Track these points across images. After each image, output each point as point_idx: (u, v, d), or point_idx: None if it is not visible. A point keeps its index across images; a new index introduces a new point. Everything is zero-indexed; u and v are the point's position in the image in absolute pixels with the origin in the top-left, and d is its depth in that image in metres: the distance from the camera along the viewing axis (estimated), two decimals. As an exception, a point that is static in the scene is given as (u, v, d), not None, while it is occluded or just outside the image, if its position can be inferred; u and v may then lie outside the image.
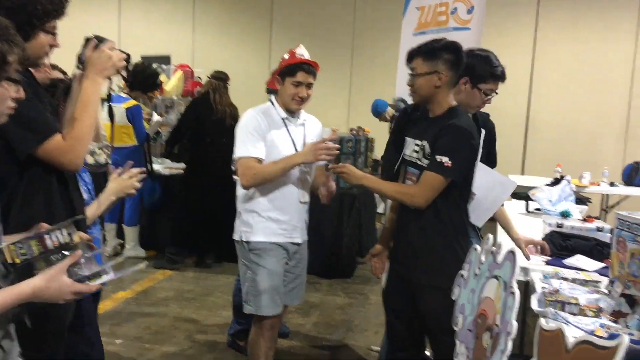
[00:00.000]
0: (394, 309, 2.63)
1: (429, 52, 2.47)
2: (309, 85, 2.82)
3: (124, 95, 5.46)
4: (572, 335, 1.05)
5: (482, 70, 2.67)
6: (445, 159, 2.38)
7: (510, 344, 1.27)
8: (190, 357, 3.63)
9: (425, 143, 2.49)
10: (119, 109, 5.32)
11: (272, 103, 2.88)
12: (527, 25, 7.27)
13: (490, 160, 2.80)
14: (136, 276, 5.14)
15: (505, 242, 1.57)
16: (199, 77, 7.01)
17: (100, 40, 1.88)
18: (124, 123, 5.33)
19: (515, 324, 1.25)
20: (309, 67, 2.80)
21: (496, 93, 2.72)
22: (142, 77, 5.49)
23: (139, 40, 8.40)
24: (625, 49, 7.04)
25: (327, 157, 2.69)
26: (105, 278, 1.58)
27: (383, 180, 2.69)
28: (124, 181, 2.18)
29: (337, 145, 2.72)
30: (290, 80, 2.79)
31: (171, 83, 6.78)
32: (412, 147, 2.56)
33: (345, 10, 7.96)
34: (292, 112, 2.86)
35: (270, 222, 2.82)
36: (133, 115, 5.33)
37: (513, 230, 2.84)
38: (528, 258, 2.71)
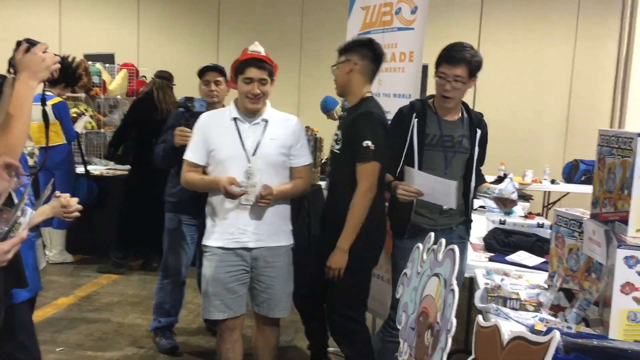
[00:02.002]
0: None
1: (345, 47, 2.85)
2: (262, 81, 2.70)
3: (48, 93, 5.28)
4: (508, 331, 1.06)
5: (440, 55, 2.78)
6: (368, 142, 2.66)
7: (449, 341, 1.28)
8: (135, 363, 3.55)
9: (339, 132, 2.84)
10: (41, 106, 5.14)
11: (233, 103, 2.82)
12: (471, 26, 7.41)
13: (479, 160, 2.93)
14: (79, 281, 4.99)
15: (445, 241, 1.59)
16: (144, 77, 6.87)
17: (32, 43, 1.80)
18: (51, 121, 5.17)
19: (454, 321, 1.25)
20: (261, 63, 2.70)
21: (455, 79, 2.71)
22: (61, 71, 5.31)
23: (81, 38, 8.15)
24: (564, 50, 7.26)
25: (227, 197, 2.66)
26: (24, 220, 1.58)
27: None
28: (63, 209, 2.13)
29: (238, 192, 2.66)
30: (242, 78, 2.72)
31: (115, 82, 6.62)
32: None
33: (293, 10, 7.93)
34: (249, 112, 2.75)
35: (218, 225, 2.77)
36: (59, 112, 5.16)
37: None
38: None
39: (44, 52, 1.79)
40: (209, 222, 2.83)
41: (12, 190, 1.91)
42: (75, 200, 2.16)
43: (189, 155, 2.81)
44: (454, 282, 1.33)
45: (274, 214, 2.79)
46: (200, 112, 3.57)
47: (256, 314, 2.92)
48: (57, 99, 5.21)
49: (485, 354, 1.07)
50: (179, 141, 3.40)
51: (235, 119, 2.76)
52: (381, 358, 2.94)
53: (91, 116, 5.99)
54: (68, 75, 5.47)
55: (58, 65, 1.83)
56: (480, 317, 1.21)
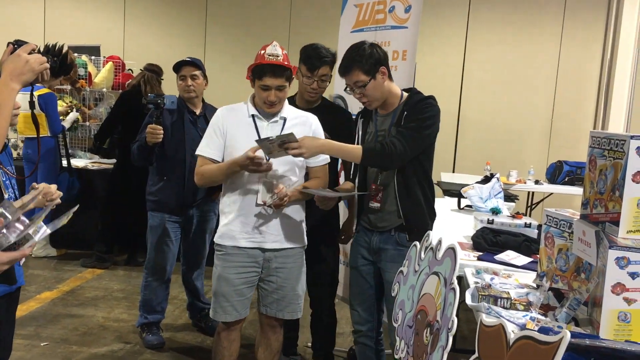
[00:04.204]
0: None
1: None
2: (280, 88, 2.63)
3: (36, 84, 5.20)
4: (513, 330, 1.06)
5: None
6: None
7: (450, 339, 1.29)
8: (120, 358, 3.51)
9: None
10: (28, 96, 5.07)
11: (250, 99, 2.76)
12: (460, 25, 7.45)
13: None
14: (63, 275, 4.93)
15: (446, 239, 1.60)
16: (130, 70, 6.81)
17: (19, 44, 1.75)
18: (36, 112, 5.09)
19: (455, 319, 1.26)
20: (279, 70, 2.61)
21: (355, 85, 2.64)
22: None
23: (66, 30, 8.03)
24: (550, 51, 7.33)
25: (253, 171, 2.57)
26: (33, 239, 1.55)
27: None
28: (43, 198, 2.09)
29: (265, 167, 2.58)
30: (259, 84, 2.64)
31: (101, 75, 6.55)
32: None
33: (282, 4, 7.91)
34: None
35: (232, 224, 2.71)
36: (46, 103, 5.08)
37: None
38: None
39: (30, 54, 1.73)
40: (222, 220, 2.78)
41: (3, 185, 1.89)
42: (54, 187, 2.13)
43: (204, 151, 2.73)
44: (455, 281, 1.34)
45: (291, 215, 2.75)
46: (172, 110, 3.55)
47: (262, 316, 2.87)
48: (44, 90, 5.13)
49: (489, 353, 1.07)
50: (150, 139, 3.37)
51: (253, 116, 2.71)
52: None
53: (78, 110, 5.92)
54: (63, 66, 5.37)
55: (46, 66, 1.77)
56: (484, 316, 1.22)
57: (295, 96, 3.19)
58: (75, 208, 1.97)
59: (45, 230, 1.57)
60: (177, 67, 3.63)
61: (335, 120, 3.00)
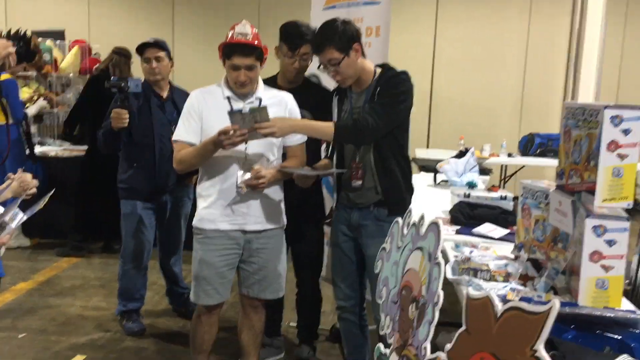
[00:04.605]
0: None
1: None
2: (250, 67, 2.57)
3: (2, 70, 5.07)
4: (500, 301, 1.08)
5: None
6: None
7: (437, 314, 1.30)
8: (102, 347, 3.48)
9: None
10: None
11: (224, 81, 2.70)
12: (429, 3, 7.44)
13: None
14: (38, 265, 4.85)
15: (428, 215, 1.60)
16: (97, 54, 6.65)
17: None
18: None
19: (441, 293, 1.27)
20: (247, 49, 2.56)
21: (329, 63, 2.61)
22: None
23: (28, 14, 7.82)
24: (519, 27, 7.39)
25: (229, 147, 2.50)
26: (9, 227, 1.52)
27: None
28: (20, 187, 2.04)
29: (239, 138, 2.47)
30: (228, 63, 2.59)
31: (67, 60, 6.39)
32: None
33: (250, -16, 7.80)
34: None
35: (212, 207, 2.67)
36: (7, 89, 4.94)
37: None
38: None
39: None
40: (201, 203, 2.74)
41: None
42: (29, 175, 2.09)
43: (182, 136, 2.66)
44: (440, 255, 1.34)
45: (270, 195, 2.73)
46: (137, 93, 3.44)
47: (243, 297, 2.86)
48: (5, 76, 4.98)
49: (477, 325, 1.08)
50: (115, 124, 3.29)
51: (228, 97, 2.66)
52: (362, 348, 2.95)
53: (45, 97, 5.76)
54: (27, 51, 5.21)
55: (10, 51, 1.70)
56: (470, 289, 1.23)
57: (276, 76, 3.14)
58: (51, 192, 1.94)
59: (22, 217, 1.55)
60: (141, 49, 3.51)
61: (318, 100, 2.96)
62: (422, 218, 1.57)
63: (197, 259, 2.74)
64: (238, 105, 2.64)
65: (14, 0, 8.10)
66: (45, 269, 4.79)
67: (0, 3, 8.07)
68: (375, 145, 2.65)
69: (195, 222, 2.76)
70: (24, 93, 5.47)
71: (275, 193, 2.77)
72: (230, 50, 2.57)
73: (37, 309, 3.97)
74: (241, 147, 2.58)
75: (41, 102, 5.49)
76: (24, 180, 2.05)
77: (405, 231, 1.69)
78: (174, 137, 2.70)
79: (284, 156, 2.82)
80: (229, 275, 2.76)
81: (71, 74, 6.36)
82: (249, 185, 2.60)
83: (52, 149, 5.76)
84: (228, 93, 2.67)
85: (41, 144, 5.70)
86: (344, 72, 2.61)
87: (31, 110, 5.33)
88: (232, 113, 2.46)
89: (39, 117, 5.88)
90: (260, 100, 2.69)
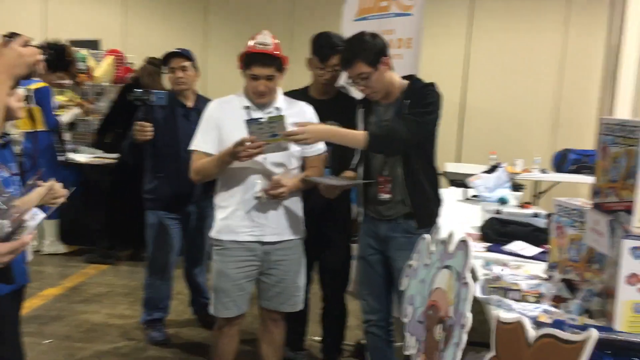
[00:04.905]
0: None
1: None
2: (269, 78, 2.56)
3: (34, 78, 5.16)
4: (533, 327, 1.01)
5: None
6: None
7: (465, 337, 1.24)
8: (125, 355, 3.48)
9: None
10: (27, 91, 5.04)
11: (243, 91, 2.69)
12: (463, 14, 7.36)
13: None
14: (66, 272, 4.90)
15: (458, 232, 1.54)
16: (131, 63, 6.75)
17: (11, 36, 1.67)
18: (31, 105, 5.05)
19: (469, 315, 1.21)
20: (266, 59, 2.54)
21: (359, 77, 2.59)
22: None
23: (66, 23, 7.98)
24: (555, 39, 7.24)
25: (245, 158, 2.48)
26: (31, 225, 1.51)
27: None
28: (49, 196, 2.04)
29: (256, 150, 2.45)
30: (248, 73, 2.58)
31: (101, 69, 6.50)
32: None
33: (283, -5, 7.84)
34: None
35: (230, 218, 2.65)
36: (41, 97, 5.03)
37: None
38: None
39: (23, 47, 1.65)
40: (219, 214, 2.71)
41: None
42: (59, 185, 2.08)
43: (199, 146, 2.66)
44: (468, 275, 1.28)
45: (289, 206, 2.70)
46: (161, 106, 3.43)
47: (263, 310, 2.82)
48: (40, 84, 5.09)
49: (508, 352, 1.02)
50: (139, 137, 3.28)
51: (247, 107, 2.64)
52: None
53: (79, 105, 5.85)
54: (52, 59, 5.27)
55: (39, 59, 1.69)
56: (500, 312, 1.16)
57: (309, 87, 3.11)
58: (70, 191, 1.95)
59: (40, 215, 1.53)
60: (166, 59, 3.51)
61: (351, 111, 2.90)
62: (450, 235, 1.51)
63: (215, 271, 2.72)
64: (256, 114, 2.61)
65: (53, 11, 8.29)
66: (74, 275, 4.84)
67: (39, 13, 8.26)
68: (404, 157, 2.62)
69: (213, 233, 2.73)
70: (59, 100, 5.55)
71: (295, 204, 2.74)
72: (250, 60, 2.56)
73: (63, 316, 3.99)
74: (259, 157, 2.55)
75: (75, 110, 5.57)
76: (54, 189, 2.05)
77: (432, 248, 1.63)
78: (192, 146, 2.70)
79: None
80: (248, 287, 2.72)
81: (105, 83, 6.45)
82: (269, 194, 2.56)
83: (85, 156, 5.83)
84: (247, 103, 2.65)
85: (74, 151, 5.77)
86: (373, 86, 2.58)
87: (65, 117, 5.41)
88: (249, 122, 2.43)
89: (72, 125, 5.97)
90: (280, 111, 2.67)
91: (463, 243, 1.40)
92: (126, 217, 5.12)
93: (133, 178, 4.97)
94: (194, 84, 3.58)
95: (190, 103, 3.56)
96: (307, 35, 3.11)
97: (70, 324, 3.85)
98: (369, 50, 2.51)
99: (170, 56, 3.50)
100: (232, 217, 2.65)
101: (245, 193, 2.62)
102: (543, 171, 6.18)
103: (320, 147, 2.77)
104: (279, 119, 2.42)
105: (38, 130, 5.11)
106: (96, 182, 5.42)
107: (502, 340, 1.04)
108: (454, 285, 1.36)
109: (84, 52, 6.36)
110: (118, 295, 4.44)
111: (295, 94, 3.06)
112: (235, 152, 2.45)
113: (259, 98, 2.61)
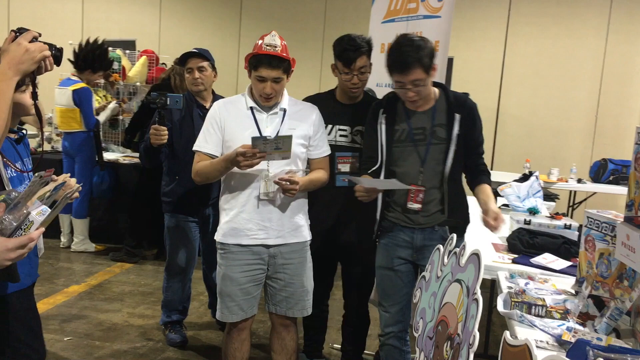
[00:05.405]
0: None
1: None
2: (276, 80, 2.50)
3: (74, 78, 5.23)
4: (539, 351, 0.92)
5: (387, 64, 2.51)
6: None
7: (472, 357, 1.15)
8: (142, 355, 3.45)
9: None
10: (66, 91, 5.11)
11: (248, 91, 2.64)
12: (499, 19, 7.20)
13: (470, 145, 2.62)
14: (92, 269, 4.93)
15: (470, 243, 1.45)
16: (164, 64, 6.79)
17: (20, 32, 1.64)
18: (70, 107, 5.12)
19: (477, 335, 1.12)
20: (275, 61, 2.47)
21: (414, 84, 2.46)
22: (88, 57, 5.23)
23: (102, 24, 8.13)
24: (595, 46, 7.03)
25: (246, 168, 2.43)
26: (37, 219, 1.49)
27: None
28: (62, 191, 2.02)
29: (258, 160, 2.41)
30: (254, 74, 2.52)
31: (135, 69, 6.55)
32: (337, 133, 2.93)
33: (317, -2, 7.80)
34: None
35: (234, 221, 2.61)
36: (80, 98, 5.10)
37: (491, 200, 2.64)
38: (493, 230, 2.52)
39: (31, 42, 1.62)
40: (223, 217, 2.68)
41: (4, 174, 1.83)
42: (74, 180, 2.05)
43: (202, 146, 2.62)
44: (478, 291, 1.20)
45: (293, 209, 2.65)
46: (177, 109, 3.37)
47: (272, 315, 2.76)
48: (80, 85, 5.15)
49: (512, 377, 0.94)
50: (154, 141, 3.22)
51: (252, 108, 2.60)
52: None
53: (117, 101, 5.91)
54: (94, 59, 5.31)
55: (47, 55, 1.65)
56: (507, 334, 1.08)
57: (334, 91, 3.03)
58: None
59: (46, 209, 1.51)
60: (184, 60, 3.46)
61: None
62: (463, 247, 1.42)
63: (220, 275, 2.67)
64: (261, 115, 2.59)
65: (90, 11, 8.44)
66: (99, 273, 4.86)
67: (77, 13, 8.41)
68: (451, 171, 2.58)
69: (217, 237, 2.68)
70: (95, 102, 5.62)
71: (300, 207, 2.69)
72: (258, 61, 2.49)
73: (85, 313, 4.00)
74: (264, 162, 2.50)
75: (112, 105, 5.62)
76: (67, 185, 2.03)
77: (445, 260, 1.55)
78: (195, 146, 2.66)
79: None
80: (254, 291, 2.67)
81: (138, 83, 6.51)
82: (280, 185, 2.49)
83: (114, 155, 5.90)
84: (251, 103, 2.60)
85: (105, 149, 5.83)
86: (423, 92, 2.51)
87: (102, 117, 5.47)
88: (255, 139, 2.38)
89: (114, 120, 6.03)
90: (285, 112, 2.62)
91: (475, 256, 1.31)
92: (153, 216, 5.15)
93: (158, 177, 5.02)
94: (211, 85, 3.53)
95: (207, 104, 3.50)
96: (339, 37, 3.01)
97: (92, 322, 3.86)
98: (426, 55, 2.42)
99: (187, 56, 3.45)
100: (236, 220, 2.60)
101: (249, 196, 2.58)
102: (579, 181, 5.98)
103: (327, 148, 2.74)
104: (286, 138, 2.40)
105: (76, 130, 5.17)
106: (124, 181, 5.46)
107: (508, 365, 0.96)
108: (464, 300, 1.27)
109: (118, 52, 6.43)
110: (140, 294, 4.44)
111: (320, 98, 3.00)
112: (237, 162, 2.42)
113: (266, 101, 2.56)
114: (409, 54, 2.40)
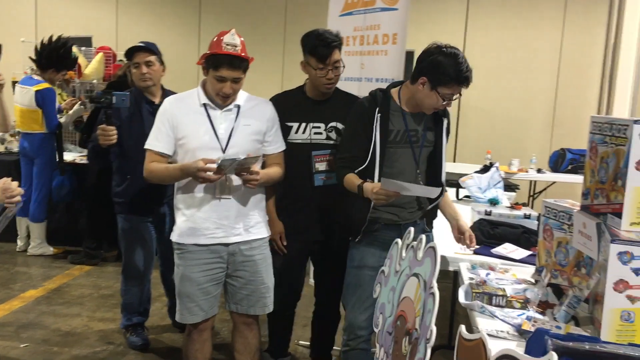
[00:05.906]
0: None
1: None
2: (236, 80, 2.46)
3: (36, 78, 5.07)
4: (500, 341, 0.91)
5: (445, 72, 2.44)
6: None
7: (429, 352, 1.14)
8: (103, 360, 3.38)
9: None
10: (29, 91, 4.95)
11: (201, 87, 2.58)
12: (458, 11, 7.26)
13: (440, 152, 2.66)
14: (50, 272, 4.80)
15: (437, 235, 1.44)
16: (122, 61, 6.64)
17: None
18: (32, 107, 4.96)
19: (434, 329, 1.11)
20: (237, 62, 2.44)
21: (458, 95, 2.53)
22: (52, 55, 5.06)
23: (57, 20, 7.89)
24: (552, 37, 7.14)
25: (203, 181, 2.41)
26: None
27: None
28: (3, 195, 1.93)
29: (215, 177, 2.39)
30: (214, 74, 2.46)
31: (91, 66, 6.41)
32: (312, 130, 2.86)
33: (277, -7, 7.74)
34: None
35: (191, 220, 2.55)
36: (44, 99, 4.95)
37: (459, 215, 2.76)
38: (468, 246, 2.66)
39: None
40: (179, 216, 2.62)
41: None
42: (15, 183, 1.97)
43: (153, 144, 2.56)
44: (435, 285, 1.18)
45: (251, 205, 2.61)
46: (124, 108, 3.23)
47: (234, 314, 2.72)
48: (43, 85, 4.99)
49: (468, 371, 0.93)
50: (103, 142, 3.12)
51: (205, 105, 2.54)
52: None
53: (81, 102, 5.74)
54: (58, 58, 5.15)
55: None
56: (463, 328, 1.07)
57: (303, 88, 2.98)
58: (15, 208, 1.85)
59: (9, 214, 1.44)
60: (130, 54, 3.33)
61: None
62: (420, 240, 1.41)
63: (178, 276, 2.62)
64: (215, 112, 2.55)
65: (45, 7, 8.20)
66: (57, 276, 4.73)
67: (30, 8, 8.16)
68: (432, 167, 2.64)
69: (174, 237, 2.63)
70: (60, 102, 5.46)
71: (257, 203, 2.66)
72: (218, 61, 2.43)
73: (43, 318, 3.89)
74: (219, 154, 2.49)
75: (77, 107, 5.47)
76: (8, 188, 1.95)
77: (404, 254, 1.53)
78: (146, 144, 2.60)
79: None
80: (214, 291, 2.62)
81: (95, 80, 6.36)
82: (241, 177, 2.47)
83: (71, 155, 5.75)
84: (205, 100, 2.55)
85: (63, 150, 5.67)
86: None
87: (66, 119, 5.31)
88: (225, 161, 2.35)
89: (78, 122, 5.84)
90: (239, 108, 2.58)
91: (431, 250, 1.29)
92: (112, 217, 5.03)
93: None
94: (159, 80, 3.39)
95: (157, 99, 3.35)
96: (301, 33, 2.98)
97: (49, 327, 3.75)
98: None
99: (133, 51, 3.32)
100: (192, 219, 2.56)
101: (205, 194, 2.53)
102: (539, 171, 6.07)
103: (281, 144, 2.73)
104: (254, 159, 2.43)
105: (36, 132, 5.01)
106: (82, 181, 5.32)
107: (463, 358, 0.95)
108: (421, 294, 1.26)
109: (74, 49, 6.25)
110: (101, 297, 4.34)
111: (290, 95, 2.95)
112: (196, 177, 2.40)
113: (223, 101, 2.52)
114: (469, 72, 2.47)
